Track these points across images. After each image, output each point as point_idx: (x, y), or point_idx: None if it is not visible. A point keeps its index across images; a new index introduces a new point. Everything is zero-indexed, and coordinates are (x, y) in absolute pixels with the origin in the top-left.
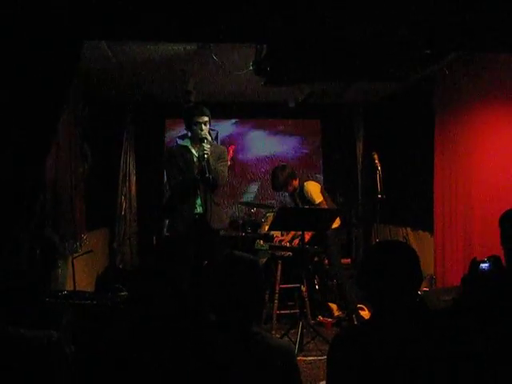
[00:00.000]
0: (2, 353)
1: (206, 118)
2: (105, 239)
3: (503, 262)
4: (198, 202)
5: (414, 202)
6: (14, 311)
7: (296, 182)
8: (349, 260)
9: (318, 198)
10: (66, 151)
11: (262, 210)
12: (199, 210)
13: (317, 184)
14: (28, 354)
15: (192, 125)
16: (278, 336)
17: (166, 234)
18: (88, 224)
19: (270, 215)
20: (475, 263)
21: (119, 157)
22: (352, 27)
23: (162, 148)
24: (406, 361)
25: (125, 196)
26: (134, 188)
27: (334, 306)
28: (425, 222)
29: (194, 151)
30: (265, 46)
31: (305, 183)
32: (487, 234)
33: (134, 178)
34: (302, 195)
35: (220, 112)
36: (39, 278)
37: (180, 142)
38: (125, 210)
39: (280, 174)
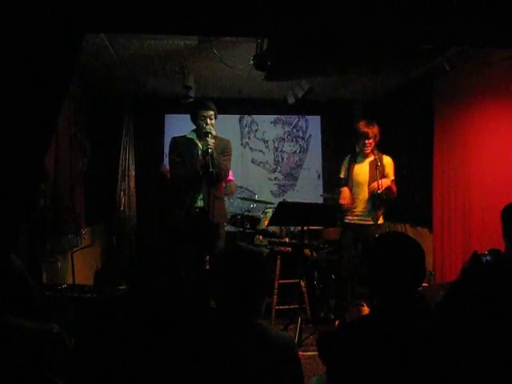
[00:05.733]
0: (5, 343)
1: (211, 113)
2: (104, 234)
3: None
4: (200, 195)
5: (413, 198)
6: (14, 304)
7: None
8: None
9: (393, 175)
10: (65, 145)
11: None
12: (200, 203)
13: None
14: (31, 345)
15: (197, 119)
16: None
17: (167, 224)
18: (87, 219)
19: (269, 211)
20: (476, 256)
21: (118, 152)
22: (353, 22)
23: (161, 143)
24: (404, 355)
25: (124, 191)
26: (133, 183)
27: (332, 302)
28: (424, 219)
29: (199, 144)
30: (266, 40)
31: (385, 155)
32: (486, 229)
33: (133, 173)
34: (380, 165)
35: (220, 108)
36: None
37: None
38: (124, 206)
39: (371, 125)
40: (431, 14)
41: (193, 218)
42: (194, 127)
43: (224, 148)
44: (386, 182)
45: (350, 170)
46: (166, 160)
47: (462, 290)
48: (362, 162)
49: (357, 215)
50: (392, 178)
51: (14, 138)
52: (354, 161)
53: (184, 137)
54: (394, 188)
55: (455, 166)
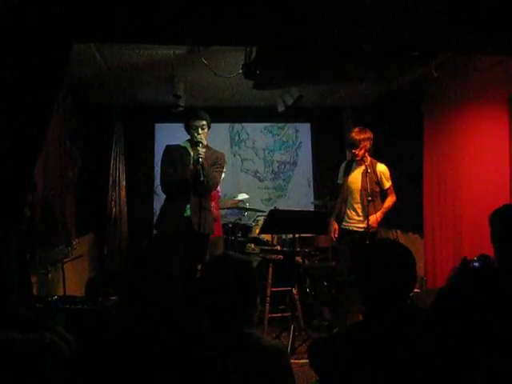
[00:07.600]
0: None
1: (203, 122)
2: (95, 244)
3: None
4: (188, 205)
5: (404, 204)
6: (4, 316)
7: (368, 155)
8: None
9: (388, 182)
10: (54, 155)
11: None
12: (188, 212)
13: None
14: (21, 358)
15: (189, 128)
16: None
17: (155, 232)
18: (78, 229)
19: (260, 219)
20: (466, 262)
21: (109, 162)
22: (341, 31)
23: (151, 153)
24: (395, 362)
25: (115, 201)
26: (123, 193)
27: (325, 309)
28: (415, 224)
29: (192, 154)
30: (254, 48)
31: (379, 163)
32: (476, 234)
33: (123, 183)
34: (370, 173)
35: (209, 116)
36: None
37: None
38: (115, 216)
39: (361, 133)
40: (419, 22)
41: (182, 227)
42: (186, 136)
43: (216, 160)
44: (373, 220)
45: (345, 176)
46: (157, 169)
47: (450, 296)
48: (355, 169)
49: (352, 222)
50: (386, 186)
51: (2, 147)
52: (349, 168)
53: (178, 145)
54: (389, 202)
55: (445, 171)
